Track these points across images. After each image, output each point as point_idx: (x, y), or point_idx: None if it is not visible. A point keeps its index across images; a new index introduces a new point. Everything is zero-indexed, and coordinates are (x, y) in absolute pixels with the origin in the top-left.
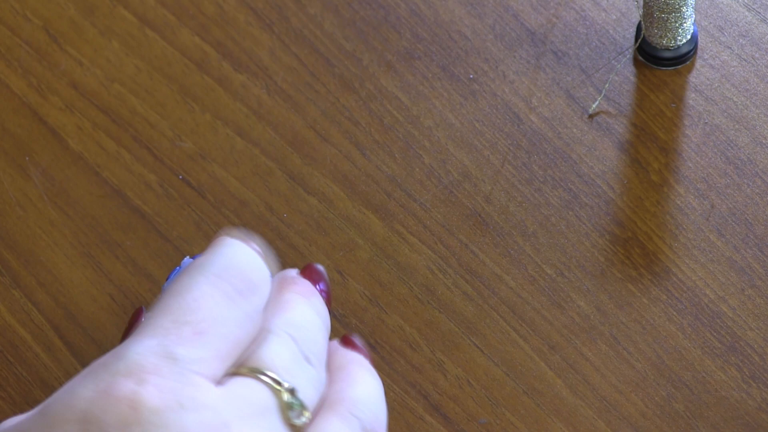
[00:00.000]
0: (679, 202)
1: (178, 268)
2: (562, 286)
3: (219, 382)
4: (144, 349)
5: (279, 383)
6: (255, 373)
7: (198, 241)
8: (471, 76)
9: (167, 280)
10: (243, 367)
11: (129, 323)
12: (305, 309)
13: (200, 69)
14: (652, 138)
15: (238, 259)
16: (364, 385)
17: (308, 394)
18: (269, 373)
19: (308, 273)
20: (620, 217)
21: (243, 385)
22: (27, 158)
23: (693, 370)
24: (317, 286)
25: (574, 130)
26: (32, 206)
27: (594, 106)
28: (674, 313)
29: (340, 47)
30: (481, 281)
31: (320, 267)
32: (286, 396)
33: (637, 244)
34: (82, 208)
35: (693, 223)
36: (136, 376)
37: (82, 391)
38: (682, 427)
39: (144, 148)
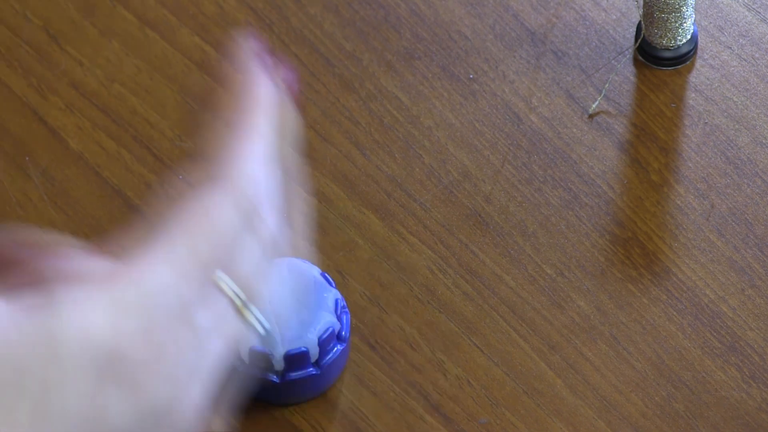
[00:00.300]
0: (679, 202)
1: None
2: (562, 286)
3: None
4: (164, 296)
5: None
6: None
7: None
8: (471, 76)
9: None
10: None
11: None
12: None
13: (200, 69)
14: (652, 138)
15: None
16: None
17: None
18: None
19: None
20: (620, 217)
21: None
22: (27, 158)
23: (693, 370)
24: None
25: (574, 130)
26: (32, 206)
27: (594, 106)
28: (674, 313)
29: (340, 47)
30: (481, 281)
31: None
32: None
33: (637, 244)
34: (82, 208)
35: (693, 223)
36: (154, 326)
37: (95, 321)
38: (682, 427)
39: (144, 148)
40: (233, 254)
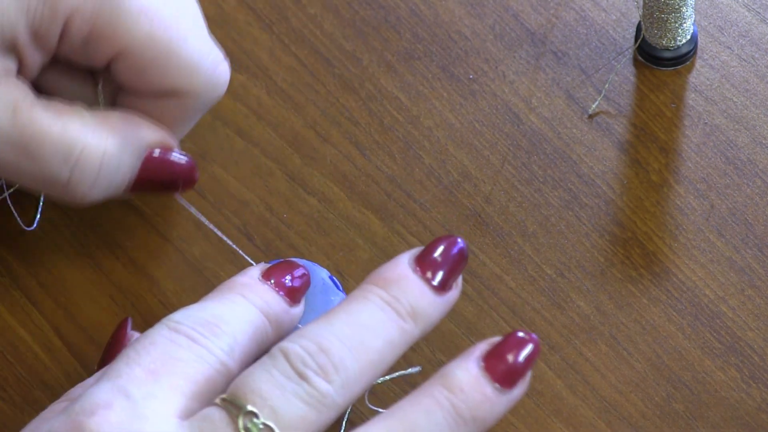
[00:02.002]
0: (679, 203)
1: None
2: (562, 286)
3: (187, 416)
4: (99, 389)
5: (240, 408)
6: (224, 402)
7: (198, 241)
8: (471, 77)
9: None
10: (217, 398)
11: (113, 335)
12: (326, 323)
13: None
14: (652, 138)
15: (207, 311)
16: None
17: (288, 412)
18: (236, 400)
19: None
20: (620, 218)
21: (204, 415)
22: None
23: (693, 371)
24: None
25: (574, 130)
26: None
27: (594, 106)
28: (674, 313)
29: (340, 47)
30: (481, 281)
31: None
32: (241, 421)
33: (637, 244)
34: (82, 209)
35: (693, 224)
36: (90, 411)
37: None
38: (682, 427)
39: None
40: None
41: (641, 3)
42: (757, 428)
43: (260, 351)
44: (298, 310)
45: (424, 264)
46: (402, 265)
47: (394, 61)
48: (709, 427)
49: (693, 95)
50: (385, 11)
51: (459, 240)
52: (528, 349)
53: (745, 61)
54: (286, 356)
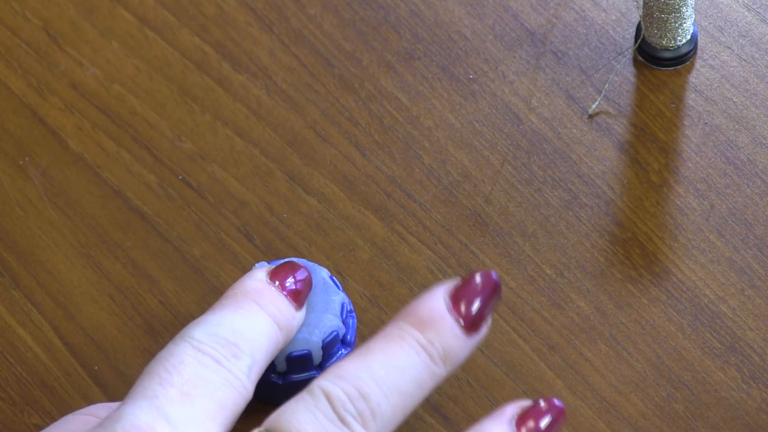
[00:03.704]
0: (679, 203)
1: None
2: (562, 286)
3: None
4: (137, 410)
5: None
6: None
7: (198, 241)
8: (471, 77)
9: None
10: (256, 430)
11: None
12: (364, 363)
13: (200, 69)
14: (652, 138)
15: (225, 326)
16: None
17: None
18: None
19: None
20: (620, 218)
21: None
22: (27, 158)
23: (693, 371)
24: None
25: (574, 131)
26: (32, 207)
27: (594, 106)
28: (674, 313)
29: (340, 47)
30: None
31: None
32: None
33: (636, 244)
34: (82, 209)
35: (693, 224)
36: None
37: None
38: (682, 427)
39: (144, 148)
40: None
41: (641, 3)
42: (757, 428)
43: (270, 360)
44: (303, 313)
45: (458, 302)
46: (438, 303)
47: (394, 61)
48: (709, 427)
49: (693, 95)
50: (385, 11)
51: (493, 275)
52: (549, 420)
53: (745, 61)
54: (329, 398)
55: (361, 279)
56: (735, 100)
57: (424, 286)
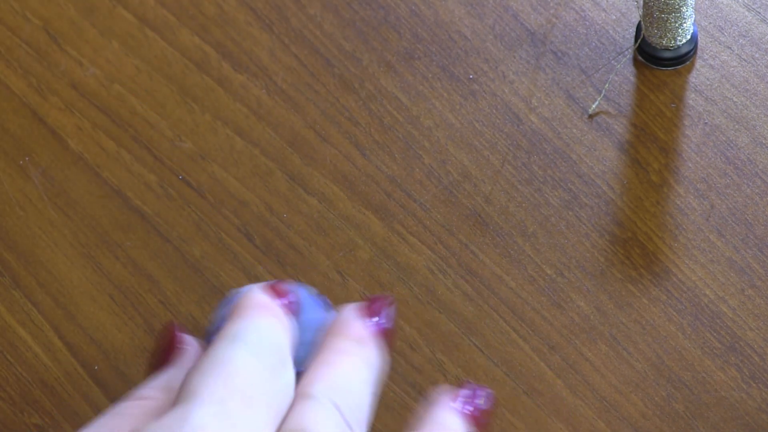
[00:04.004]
0: (679, 202)
1: (226, 300)
2: (562, 286)
3: None
4: (206, 414)
5: None
6: None
7: (198, 241)
8: (471, 76)
9: (220, 309)
10: None
11: (165, 344)
12: (352, 370)
13: (200, 69)
14: (652, 138)
15: (272, 334)
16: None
17: None
18: None
19: (369, 307)
20: (620, 218)
21: None
22: (27, 158)
23: (693, 370)
24: (377, 320)
25: (574, 130)
26: (32, 206)
27: (594, 106)
28: (674, 313)
29: (340, 47)
30: (481, 281)
31: (382, 299)
32: None
33: (637, 244)
34: (82, 208)
35: (693, 223)
36: None
37: None
38: (682, 427)
39: (144, 148)
40: None
41: (641, 3)
42: (757, 428)
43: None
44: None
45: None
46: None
47: (394, 61)
48: (709, 427)
49: (693, 95)
50: (385, 11)
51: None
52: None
53: (745, 61)
54: (338, 408)
55: (361, 279)
56: (735, 100)
57: (424, 286)
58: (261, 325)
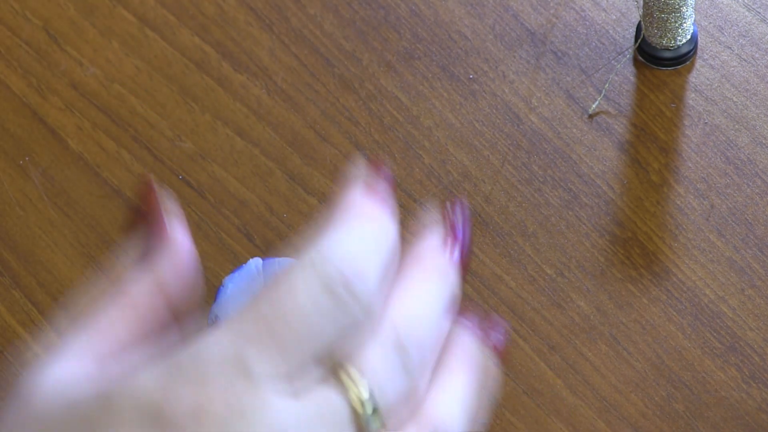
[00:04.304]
0: (679, 202)
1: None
2: (562, 286)
3: (296, 391)
4: (218, 352)
5: (362, 402)
6: (341, 384)
7: (198, 241)
8: (471, 76)
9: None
10: (331, 373)
11: (144, 201)
12: (427, 305)
13: (200, 69)
14: (652, 138)
15: (362, 254)
16: (455, 392)
17: (393, 410)
18: (357, 388)
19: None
20: (620, 217)
21: (321, 398)
22: (27, 158)
23: (693, 370)
24: (457, 251)
25: (574, 130)
26: (32, 206)
27: (594, 106)
28: (674, 313)
29: (340, 47)
30: (481, 281)
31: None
32: (366, 417)
33: (637, 244)
34: (82, 208)
35: (693, 223)
36: (204, 381)
37: (147, 382)
38: (682, 427)
39: (144, 148)
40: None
41: (641, 3)
42: (757, 428)
43: None
44: None
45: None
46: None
47: (394, 61)
48: (709, 427)
49: (693, 95)
50: (385, 11)
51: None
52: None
53: (745, 61)
54: (401, 352)
55: None
56: (735, 100)
57: None
58: (355, 238)
